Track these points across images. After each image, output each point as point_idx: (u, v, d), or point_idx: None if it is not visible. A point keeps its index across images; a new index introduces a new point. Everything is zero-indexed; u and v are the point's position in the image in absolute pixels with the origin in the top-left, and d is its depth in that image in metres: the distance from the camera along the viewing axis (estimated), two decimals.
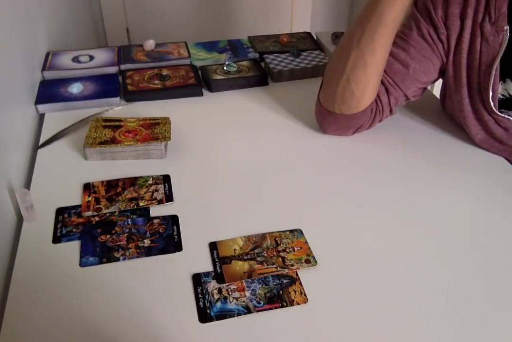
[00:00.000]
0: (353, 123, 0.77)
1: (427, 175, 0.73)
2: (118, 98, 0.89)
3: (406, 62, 0.75)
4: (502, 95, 0.72)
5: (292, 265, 0.57)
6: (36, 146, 0.78)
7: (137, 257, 0.59)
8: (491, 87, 0.70)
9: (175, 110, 0.87)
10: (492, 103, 0.71)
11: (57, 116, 0.85)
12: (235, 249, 0.59)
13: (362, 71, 0.70)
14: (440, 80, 0.81)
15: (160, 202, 0.66)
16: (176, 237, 0.61)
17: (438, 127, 0.83)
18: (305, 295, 0.54)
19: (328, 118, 0.77)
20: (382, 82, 0.75)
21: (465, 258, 0.59)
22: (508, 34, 0.67)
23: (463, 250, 0.60)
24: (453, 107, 0.77)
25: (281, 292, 0.54)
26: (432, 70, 0.76)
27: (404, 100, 0.78)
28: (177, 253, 0.59)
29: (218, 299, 0.54)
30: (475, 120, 0.75)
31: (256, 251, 0.59)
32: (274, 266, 0.57)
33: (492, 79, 0.70)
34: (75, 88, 0.90)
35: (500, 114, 0.71)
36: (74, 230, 0.62)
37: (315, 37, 1.14)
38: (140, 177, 0.71)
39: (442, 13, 0.73)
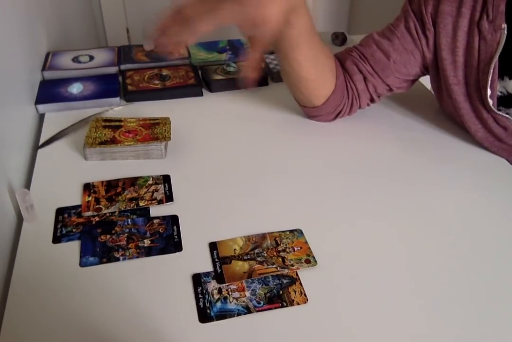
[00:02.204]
0: (324, 111, 0.80)
1: (427, 175, 0.73)
2: (118, 98, 0.89)
3: (388, 53, 0.77)
4: (501, 92, 0.72)
5: (292, 265, 0.57)
6: (36, 146, 0.78)
7: (137, 257, 0.59)
8: (489, 86, 0.70)
9: (175, 110, 0.87)
10: (491, 102, 0.71)
11: (57, 116, 0.85)
12: (235, 249, 0.59)
13: (291, 78, 0.77)
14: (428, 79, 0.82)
15: (160, 202, 0.66)
16: (176, 237, 0.61)
17: (438, 127, 0.83)
18: (305, 295, 0.54)
19: (304, 109, 0.83)
20: (361, 71, 0.78)
21: (465, 258, 0.59)
22: (506, 32, 0.68)
23: (463, 249, 0.60)
24: (452, 105, 0.77)
25: (281, 292, 0.54)
26: (412, 63, 0.77)
27: (386, 90, 0.80)
28: (177, 253, 0.59)
29: (218, 299, 0.54)
30: (474, 118, 0.75)
31: (256, 251, 0.59)
32: (274, 266, 0.57)
33: (490, 77, 0.70)
34: (75, 88, 0.90)
35: (498, 112, 0.71)
36: (74, 230, 0.62)
37: None
38: (140, 177, 0.71)
39: (432, 10, 0.73)
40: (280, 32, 0.68)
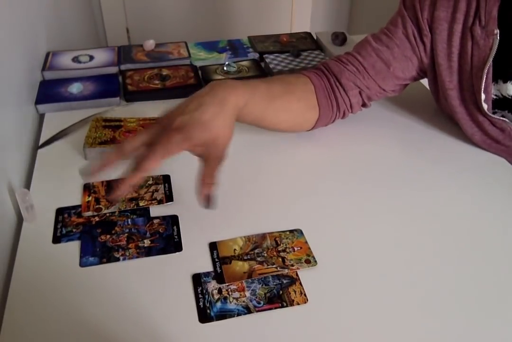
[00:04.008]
0: (317, 126, 0.79)
1: (426, 175, 0.73)
2: (118, 98, 0.89)
3: (388, 61, 0.75)
4: (495, 95, 0.72)
5: (292, 265, 0.57)
6: (36, 146, 0.78)
7: (137, 257, 0.59)
8: (482, 90, 0.70)
9: None
10: (485, 106, 0.71)
11: (57, 116, 0.85)
12: (235, 249, 0.59)
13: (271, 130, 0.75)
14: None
15: (160, 202, 0.66)
16: (176, 237, 0.61)
17: (438, 128, 0.83)
18: (305, 295, 0.54)
19: None
20: (358, 86, 0.76)
21: (464, 258, 0.59)
22: (498, 37, 0.68)
23: (464, 249, 0.60)
24: (448, 109, 0.77)
25: (281, 292, 0.54)
26: (410, 69, 0.77)
27: (380, 96, 0.79)
28: (177, 253, 0.59)
29: (218, 299, 0.54)
30: (470, 121, 0.75)
31: (256, 251, 0.59)
32: (274, 266, 0.57)
33: (484, 82, 0.70)
34: (75, 88, 0.90)
35: (493, 116, 0.72)
36: (74, 230, 0.62)
37: (315, 37, 1.14)
38: None
39: (428, 15, 0.73)
40: (241, 121, 0.67)
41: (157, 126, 0.59)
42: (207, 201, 0.61)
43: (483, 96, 0.71)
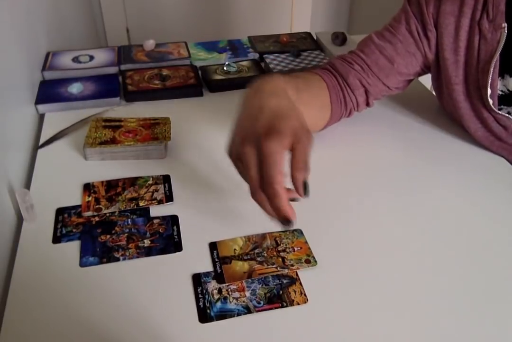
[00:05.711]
0: (327, 126, 0.79)
1: (427, 175, 0.73)
2: (118, 98, 0.89)
3: (392, 58, 0.75)
4: (501, 91, 0.72)
5: (292, 265, 0.57)
6: (36, 146, 0.78)
7: (137, 257, 0.59)
8: (489, 85, 0.70)
9: (175, 110, 0.86)
10: (491, 101, 0.71)
11: (57, 116, 0.85)
12: (235, 249, 0.59)
13: None
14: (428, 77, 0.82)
15: (160, 202, 0.66)
16: (176, 237, 0.61)
17: (438, 127, 0.83)
18: (305, 295, 0.54)
19: None
20: (363, 85, 0.76)
21: (465, 258, 0.59)
22: (506, 31, 0.68)
23: (463, 249, 0.60)
24: (452, 105, 0.77)
25: (281, 292, 0.54)
26: (414, 64, 0.77)
27: (385, 94, 0.80)
28: (177, 253, 0.59)
29: (218, 299, 0.54)
30: (474, 117, 0.75)
31: (256, 251, 0.59)
32: (274, 266, 0.57)
33: (491, 76, 0.70)
34: (75, 88, 0.90)
35: (499, 112, 0.71)
36: (74, 230, 0.62)
37: (315, 37, 1.14)
38: (140, 177, 0.71)
39: (433, 10, 0.73)
40: None
41: (245, 152, 0.57)
42: (302, 188, 0.57)
43: (489, 91, 0.71)
